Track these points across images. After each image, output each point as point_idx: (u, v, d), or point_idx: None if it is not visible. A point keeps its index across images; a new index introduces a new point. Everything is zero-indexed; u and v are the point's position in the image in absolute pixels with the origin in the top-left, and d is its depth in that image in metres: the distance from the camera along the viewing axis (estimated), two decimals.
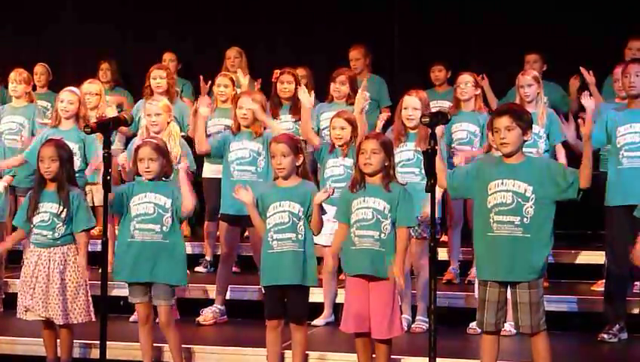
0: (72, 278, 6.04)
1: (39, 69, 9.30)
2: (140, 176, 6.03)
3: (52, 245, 6.04)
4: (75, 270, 6.05)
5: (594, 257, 7.56)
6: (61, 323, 6.03)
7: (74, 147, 6.81)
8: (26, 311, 6.07)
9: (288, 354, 5.92)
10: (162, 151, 6.00)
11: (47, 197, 6.06)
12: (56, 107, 7.57)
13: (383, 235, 5.55)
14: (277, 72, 8.01)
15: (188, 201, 5.90)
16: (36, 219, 6.07)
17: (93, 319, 6.07)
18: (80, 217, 6.05)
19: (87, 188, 7.58)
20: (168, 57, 9.39)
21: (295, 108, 7.69)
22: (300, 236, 5.75)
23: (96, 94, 8.02)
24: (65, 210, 6.01)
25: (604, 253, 6.98)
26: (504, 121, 5.30)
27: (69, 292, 6.01)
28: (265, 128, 7.07)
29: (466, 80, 7.53)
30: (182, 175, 5.90)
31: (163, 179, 5.99)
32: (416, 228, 6.55)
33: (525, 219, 5.24)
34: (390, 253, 5.55)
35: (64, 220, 6.02)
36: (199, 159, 7.44)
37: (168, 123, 7.03)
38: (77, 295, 6.03)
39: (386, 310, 5.53)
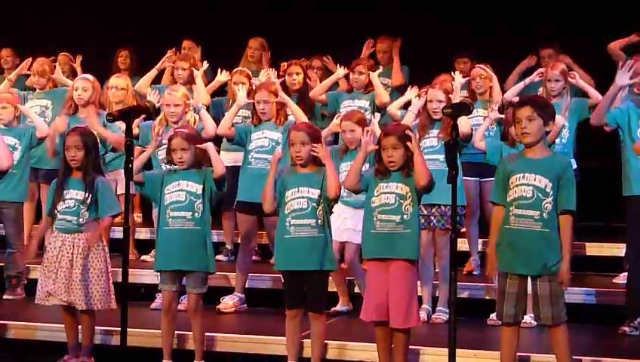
0: (94, 264, 6.05)
1: (62, 58, 9.31)
2: (176, 165, 6.04)
3: (76, 231, 6.07)
4: (98, 257, 6.07)
5: (615, 249, 7.54)
6: (83, 309, 6.05)
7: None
8: (48, 296, 6.08)
9: (307, 342, 5.93)
10: (194, 140, 6.01)
11: (72, 185, 6.08)
12: (70, 95, 7.61)
13: (405, 216, 5.54)
14: (284, 64, 8.01)
15: (218, 167, 5.92)
16: (61, 206, 6.09)
17: (114, 306, 6.07)
18: (107, 203, 6.08)
19: (112, 175, 7.63)
20: (187, 45, 9.21)
21: (303, 100, 7.67)
22: (319, 221, 5.75)
23: (122, 88, 8.01)
24: (89, 195, 6.03)
25: (624, 245, 6.97)
26: (525, 112, 5.28)
27: (90, 278, 6.03)
28: (288, 116, 7.07)
29: (479, 73, 7.51)
30: (208, 145, 5.94)
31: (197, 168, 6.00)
32: (439, 218, 6.56)
33: (544, 214, 5.23)
34: (414, 232, 5.53)
35: (88, 206, 6.05)
36: None
37: (186, 112, 7.05)
38: (99, 281, 6.05)
39: (404, 299, 5.52)
